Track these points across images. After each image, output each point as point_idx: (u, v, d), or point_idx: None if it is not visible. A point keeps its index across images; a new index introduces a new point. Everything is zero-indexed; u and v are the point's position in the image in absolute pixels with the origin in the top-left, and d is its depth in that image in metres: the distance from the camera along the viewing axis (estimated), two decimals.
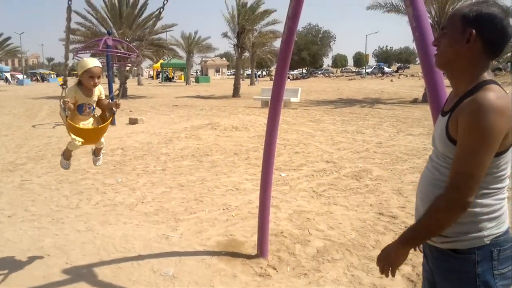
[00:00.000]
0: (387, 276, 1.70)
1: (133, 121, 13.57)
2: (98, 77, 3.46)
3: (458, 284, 1.61)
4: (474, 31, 1.52)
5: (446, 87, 2.52)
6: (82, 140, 3.54)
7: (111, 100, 3.84)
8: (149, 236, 4.43)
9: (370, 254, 3.96)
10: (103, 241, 4.32)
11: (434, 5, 20.07)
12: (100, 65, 3.50)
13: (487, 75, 1.56)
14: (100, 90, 3.64)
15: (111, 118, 3.78)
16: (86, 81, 3.42)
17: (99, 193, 6.01)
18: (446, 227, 1.54)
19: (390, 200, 5.55)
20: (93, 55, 24.79)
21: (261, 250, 3.95)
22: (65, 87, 3.52)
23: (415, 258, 3.81)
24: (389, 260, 1.67)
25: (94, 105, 3.63)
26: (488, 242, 1.56)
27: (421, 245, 1.90)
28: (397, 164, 7.50)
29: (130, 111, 17.71)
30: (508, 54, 30.34)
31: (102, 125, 3.68)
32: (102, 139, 3.84)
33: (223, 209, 5.28)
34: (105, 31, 23.26)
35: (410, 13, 2.63)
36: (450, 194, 1.49)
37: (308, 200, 5.59)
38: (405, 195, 5.71)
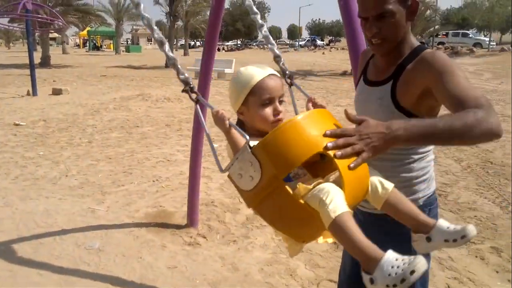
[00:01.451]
0: (347, 157, 1.16)
1: (56, 92, 12.78)
2: (280, 99, 1.46)
3: (393, 246, 1.64)
4: (414, 2, 1.47)
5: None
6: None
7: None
8: (73, 210, 4.26)
9: None
10: (23, 217, 4.09)
11: None
12: (276, 73, 1.52)
13: (413, 38, 1.57)
14: None
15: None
16: (258, 115, 1.43)
17: (18, 167, 5.65)
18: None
19: None
20: (11, 21, 22.84)
21: (191, 220, 3.95)
22: (196, 95, 1.55)
23: None
24: (371, 144, 1.18)
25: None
26: (421, 203, 1.60)
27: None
28: None
29: (54, 81, 16.66)
30: (431, 29, 31.98)
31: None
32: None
33: (153, 181, 5.19)
34: None
35: None
36: (488, 111, 1.26)
37: None
38: None
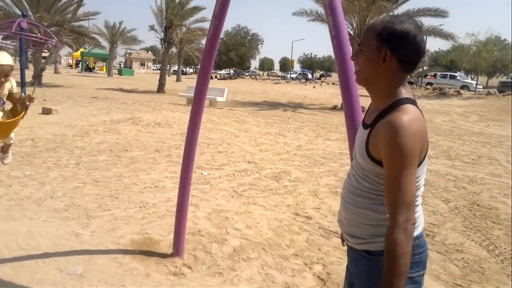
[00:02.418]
0: None
1: (46, 111, 12.71)
2: (6, 76, 3.20)
3: (369, 284, 1.67)
4: (389, 51, 1.56)
5: (361, 96, 2.67)
6: None
7: (24, 94, 3.60)
8: (57, 233, 4.17)
9: (284, 253, 4.06)
10: (5, 238, 3.99)
11: (356, 17, 21.15)
12: (10, 62, 3.22)
13: (404, 91, 1.61)
14: (11, 83, 3.41)
15: (24, 112, 3.51)
16: None
17: (3, 186, 5.54)
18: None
19: (306, 201, 5.74)
20: (5, 38, 22.90)
21: (177, 249, 3.89)
22: None
23: (326, 257, 3.98)
24: None
25: (5, 99, 3.40)
26: None
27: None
28: (315, 167, 7.78)
29: (44, 100, 16.57)
30: (420, 70, 32.72)
31: (14, 119, 3.42)
32: (12, 135, 3.60)
33: (140, 207, 5.12)
34: (19, 13, 21.61)
35: (330, 22, 2.76)
36: (401, 225, 1.46)
37: (228, 200, 5.61)
38: (320, 197, 5.94)
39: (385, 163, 1.53)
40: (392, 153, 1.49)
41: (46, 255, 3.67)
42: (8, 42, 23.00)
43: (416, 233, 1.63)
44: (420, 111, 1.59)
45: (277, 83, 52.79)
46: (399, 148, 1.47)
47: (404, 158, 1.47)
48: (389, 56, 1.57)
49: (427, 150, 1.59)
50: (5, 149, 3.83)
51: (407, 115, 1.50)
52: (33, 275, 3.33)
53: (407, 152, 1.47)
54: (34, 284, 3.21)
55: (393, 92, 1.61)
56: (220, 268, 3.70)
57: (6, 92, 3.35)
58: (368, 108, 1.79)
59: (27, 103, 3.51)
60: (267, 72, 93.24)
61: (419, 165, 1.56)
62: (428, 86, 38.47)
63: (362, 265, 1.71)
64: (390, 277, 1.47)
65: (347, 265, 1.92)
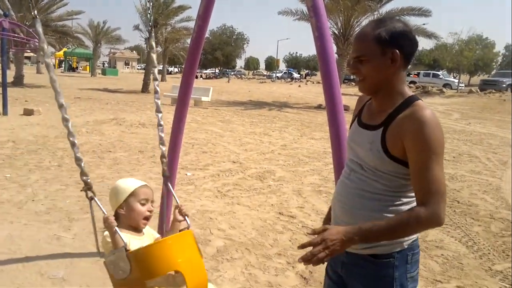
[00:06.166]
0: (313, 262, 1.48)
1: (28, 112, 12.54)
2: (152, 202, 2.16)
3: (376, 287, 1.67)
4: (397, 51, 1.57)
5: (343, 95, 2.71)
6: None
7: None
8: (38, 237, 4.13)
9: (268, 252, 4.08)
10: None
11: (341, 17, 21.31)
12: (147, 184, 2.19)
13: (407, 88, 1.66)
14: (150, 232, 2.24)
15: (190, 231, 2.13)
16: (133, 213, 2.07)
17: None
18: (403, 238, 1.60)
19: (290, 200, 5.77)
20: None
21: None
22: (92, 195, 2.22)
23: None
24: (332, 247, 1.46)
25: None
26: (406, 247, 1.64)
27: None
28: (299, 166, 7.83)
29: (26, 101, 16.34)
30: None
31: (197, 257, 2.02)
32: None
33: None
34: (1, 13, 21.27)
35: (313, 23, 2.79)
36: (432, 211, 1.47)
37: (212, 200, 5.61)
38: (303, 196, 5.98)
39: (413, 156, 1.52)
40: (422, 144, 1.49)
41: (26, 259, 3.64)
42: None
43: (416, 234, 1.68)
44: None
45: (262, 82, 52.84)
46: (430, 138, 1.49)
47: (434, 148, 1.49)
48: (397, 55, 1.58)
49: None
50: None
51: (427, 110, 1.54)
52: (13, 280, 3.29)
53: (436, 142, 1.49)
54: None
55: (401, 91, 1.64)
56: None
57: (149, 239, 2.16)
58: (362, 108, 1.79)
59: (180, 217, 2.28)
60: (252, 71, 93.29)
61: None
62: (412, 85, 38.88)
63: (366, 269, 1.68)
64: (367, 231, 1.48)
65: (327, 269, 1.88)
